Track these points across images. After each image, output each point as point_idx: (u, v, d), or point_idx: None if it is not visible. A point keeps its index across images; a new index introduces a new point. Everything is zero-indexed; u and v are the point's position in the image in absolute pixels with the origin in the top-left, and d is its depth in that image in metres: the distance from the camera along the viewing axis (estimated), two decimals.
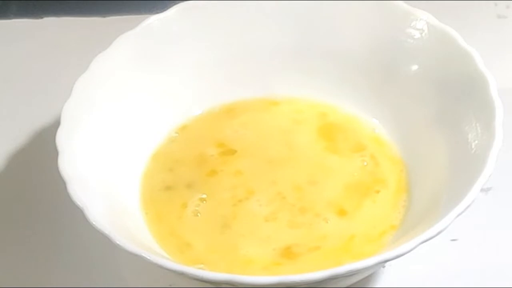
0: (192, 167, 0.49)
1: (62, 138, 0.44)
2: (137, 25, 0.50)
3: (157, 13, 0.51)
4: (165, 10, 0.51)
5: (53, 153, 0.43)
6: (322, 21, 0.52)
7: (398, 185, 0.48)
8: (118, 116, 0.48)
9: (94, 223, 0.40)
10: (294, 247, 0.45)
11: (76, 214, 0.41)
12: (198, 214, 0.47)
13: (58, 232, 0.49)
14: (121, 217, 0.44)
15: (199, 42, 0.52)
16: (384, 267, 0.47)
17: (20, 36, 0.61)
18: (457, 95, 0.47)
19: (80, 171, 0.43)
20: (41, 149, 0.52)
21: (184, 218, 0.47)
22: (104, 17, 0.62)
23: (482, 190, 0.41)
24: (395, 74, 0.50)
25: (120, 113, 0.48)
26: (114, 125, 0.48)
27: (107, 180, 0.45)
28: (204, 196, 0.48)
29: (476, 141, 0.44)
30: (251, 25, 0.52)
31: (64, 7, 0.63)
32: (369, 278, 0.46)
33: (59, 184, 0.42)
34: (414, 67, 0.50)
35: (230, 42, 0.52)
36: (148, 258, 0.39)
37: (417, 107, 0.49)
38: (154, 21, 0.51)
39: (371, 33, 0.51)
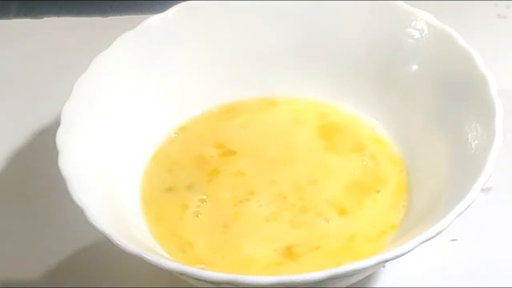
0: (192, 168, 0.49)
1: (62, 138, 0.44)
2: (137, 25, 0.50)
3: (157, 13, 0.51)
4: (165, 10, 0.51)
5: (53, 153, 0.43)
6: (322, 21, 0.52)
7: (398, 185, 0.48)
8: (118, 116, 0.48)
9: (94, 223, 0.40)
10: (295, 247, 0.45)
11: (76, 213, 0.41)
12: (199, 215, 0.47)
13: (58, 232, 0.49)
14: (121, 217, 0.44)
15: (199, 42, 0.52)
16: (384, 267, 0.47)
17: (20, 36, 0.61)
18: (457, 95, 0.47)
19: (80, 171, 0.43)
20: (41, 149, 0.52)
21: (184, 219, 0.47)
22: (104, 17, 0.62)
23: (482, 190, 0.41)
24: (395, 74, 0.50)
25: (120, 113, 0.48)
26: (114, 125, 0.48)
27: (107, 180, 0.45)
28: (205, 197, 0.48)
29: (476, 141, 0.44)
30: (251, 25, 0.52)
31: (65, 7, 0.63)
32: (369, 278, 0.46)
33: (59, 183, 0.42)
34: (414, 67, 0.50)
35: (230, 42, 0.52)
36: (148, 258, 0.39)
37: (417, 107, 0.49)
38: (154, 21, 0.51)
39: (371, 33, 0.51)
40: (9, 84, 0.58)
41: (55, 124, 0.45)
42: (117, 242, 0.40)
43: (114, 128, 0.48)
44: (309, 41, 0.52)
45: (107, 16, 0.62)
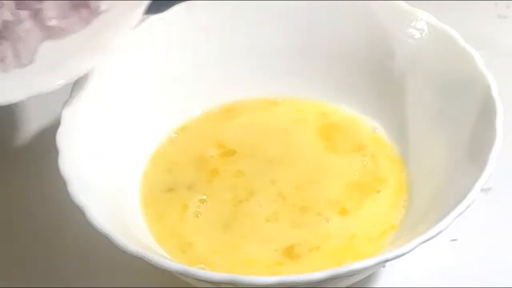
0: (192, 168, 0.49)
1: (62, 138, 0.44)
2: (137, 25, 0.50)
3: (157, 13, 0.51)
4: (165, 10, 0.51)
5: (53, 153, 0.43)
6: (322, 21, 0.52)
7: (398, 185, 0.48)
8: (118, 116, 0.48)
9: (94, 223, 0.40)
10: (295, 247, 0.45)
11: (76, 214, 0.41)
12: (199, 215, 0.47)
13: (58, 232, 0.49)
14: (121, 217, 0.44)
15: (199, 42, 0.52)
16: (384, 267, 0.47)
17: None
18: (457, 95, 0.47)
19: (80, 171, 0.43)
20: (41, 149, 0.52)
21: (185, 219, 0.47)
22: None
23: (482, 190, 0.41)
24: (395, 74, 0.50)
25: (120, 113, 0.49)
26: (114, 125, 0.48)
27: (107, 180, 0.45)
28: (205, 197, 0.48)
29: (476, 141, 0.44)
30: (251, 25, 0.52)
31: None
32: (369, 278, 0.46)
33: (59, 184, 0.42)
34: (414, 67, 0.50)
35: (230, 42, 0.52)
36: (148, 258, 0.39)
37: (417, 107, 0.49)
38: (154, 21, 0.51)
39: (371, 33, 0.51)
40: None
41: (55, 124, 0.45)
42: (118, 242, 0.40)
43: (114, 128, 0.48)
44: (309, 41, 0.52)
45: None
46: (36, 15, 0.45)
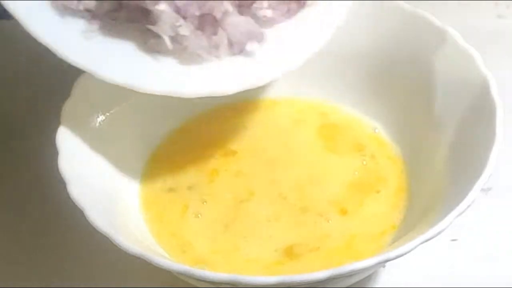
0: (192, 168, 0.49)
1: (62, 138, 0.44)
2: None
3: None
4: None
5: (53, 153, 0.43)
6: None
7: (398, 185, 0.48)
8: (118, 116, 0.48)
9: (94, 223, 0.40)
10: (295, 247, 0.45)
11: (76, 214, 0.41)
12: (199, 215, 0.47)
13: (58, 232, 0.49)
14: (121, 217, 0.44)
15: None
16: (384, 267, 0.47)
17: (20, 36, 0.61)
18: (457, 95, 0.47)
19: (80, 171, 0.43)
20: (41, 149, 0.52)
21: (185, 219, 0.47)
22: None
23: (482, 190, 0.41)
24: (395, 74, 0.50)
25: (120, 113, 0.48)
26: (114, 125, 0.48)
27: (108, 180, 0.45)
28: (205, 197, 0.48)
29: (476, 141, 0.44)
30: None
31: None
32: (369, 278, 0.46)
33: (59, 184, 0.42)
34: (414, 67, 0.50)
35: None
36: (148, 258, 0.39)
37: (417, 107, 0.49)
38: None
39: (371, 33, 0.51)
40: (9, 84, 0.58)
41: (55, 124, 0.45)
42: (117, 242, 0.40)
43: (114, 128, 0.48)
44: None
45: None
46: (251, 5, 0.45)
